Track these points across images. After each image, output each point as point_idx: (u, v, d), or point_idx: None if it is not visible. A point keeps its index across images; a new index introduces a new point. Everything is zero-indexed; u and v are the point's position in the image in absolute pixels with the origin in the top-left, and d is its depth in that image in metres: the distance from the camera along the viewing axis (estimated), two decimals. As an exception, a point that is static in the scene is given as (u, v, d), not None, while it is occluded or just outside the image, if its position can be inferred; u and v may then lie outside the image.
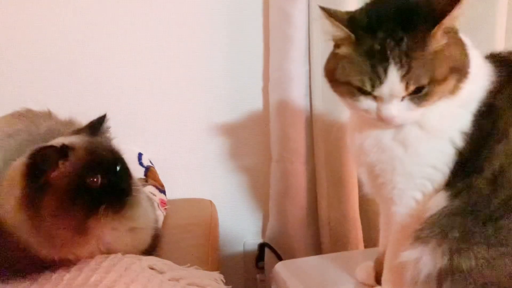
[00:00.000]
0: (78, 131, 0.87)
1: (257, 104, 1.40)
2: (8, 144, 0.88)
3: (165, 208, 1.20)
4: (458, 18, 0.65)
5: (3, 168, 0.81)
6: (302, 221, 1.36)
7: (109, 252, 0.82)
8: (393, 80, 0.64)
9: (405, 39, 0.64)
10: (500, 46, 1.20)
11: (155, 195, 1.20)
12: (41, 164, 0.74)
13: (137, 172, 1.19)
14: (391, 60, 0.64)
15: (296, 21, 1.24)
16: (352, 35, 0.67)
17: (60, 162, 0.76)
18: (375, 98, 0.68)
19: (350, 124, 0.80)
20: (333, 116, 1.25)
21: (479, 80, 0.70)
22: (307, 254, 1.36)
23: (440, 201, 0.70)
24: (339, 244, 1.34)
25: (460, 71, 0.67)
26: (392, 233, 0.80)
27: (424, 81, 0.64)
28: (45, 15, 1.24)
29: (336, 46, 0.71)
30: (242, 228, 1.48)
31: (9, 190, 0.77)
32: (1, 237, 0.76)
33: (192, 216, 1.24)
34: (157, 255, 0.89)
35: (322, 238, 1.38)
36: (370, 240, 1.34)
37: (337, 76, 0.70)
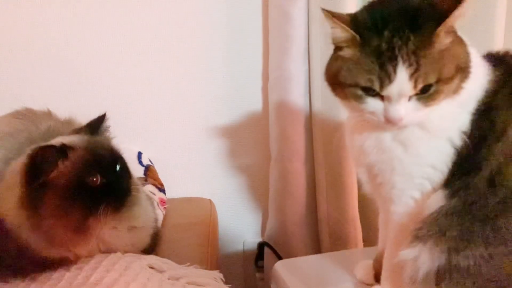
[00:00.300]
0: (78, 131, 0.87)
1: (257, 103, 1.41)
2: (8, 143, 0.88)
3: (165, 207, 1.20)
4: (461, 17, 0.65)
5: (3, 167, 0.82)
6: (301, 220, 1.36)
7: (108, 251, 0.83)
8: (402, 78, 0.64)
9: (412, 38, 0.64)
10: (499, 45, 1.20)
11: (155, 194, 1.20)
12: (40, 163, 0.75)
13: (136, 171, 1.19)
14: (399, 59, 0.64)
15: (296, 20, 1.24)
16: (357, 36, 0.67)
17: (60, 162, 0.77)
18: (382, 99, 0.68)
19: (349, 126, 0.80)
20: (332, 115, 1.25)
21: (478, 79, 0.70)
22: (307, 253, 1.36)
23: (438, 200, 0.71)
24: (338, 243, 1.34)
25: (463, 70, 0.67)
26: (390, 232, 0.80)
27: (432, 79, 0.65)
28: (45, 15, 1.24)
29: (338, 48, 0.71)
30: (241, 227, 1.49)
31: (9, 189, 0.77)
32: (1, 236, 0.76)
33: (191, 215, 1.25)
34: (156, 254, 0.89)
35: (321, 237, 1.38)
36: (369, 239, 1.34)
37: (341, 78, 0.69)
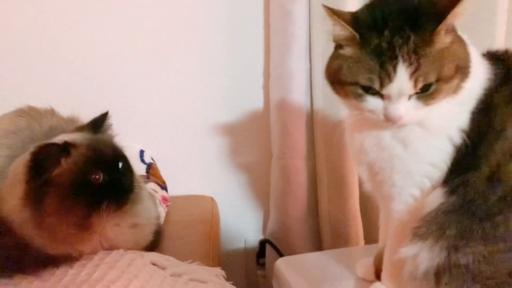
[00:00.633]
0: (81, 128, 0.87)
1: (258, 101, 1.41)
2: (11, 141, 0.89)
3: (167, 205, 1.21)
4: (461, 15, 0.65)
5: (6, 165, 0.82)
6: (302, 218, 1.36)
7: (111, 248, 0.83)
8: (403, 77, 0.64)
9: (413, 37, 0.64)
10: (500, 44, 1.20)
11: (157, 192, 1.20)
12: (43, 161, 0.75)
13: (138, 169, 1.20)
14: (400, 58, 0.64)
15: (297, 18, 1.24)
16: (357, 35, 0.67)
17: (63, 159, 0.77)
18: (382, 97, 0.68)
19: (349, 124, 0.80)
20: (333, 113, 1.25)
21: (477, 77, 0.70)
22: (308, 250, 1.36)
23: (437, 197, 0.71)
24: (340, 240, 1.34)
25: (463, 70, 0.67)
26: (391, 229, 0.80)
27: (432, 78, 0.65)
28: (47, 13, 1.25)
29: (339, 46, 0.71)
30: (243, 224, 1.49)
31: (13, 187, 0.77)
32: (5, 234, 0.77)
33: (193, 212, 1.25)
34: (159, 251, 0.90)
35: (322, 235, 1.38)
36: (370, 237, 1.34)
37: (342, 77, 0.69)
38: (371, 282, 0.87)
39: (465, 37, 0.70)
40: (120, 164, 0.83)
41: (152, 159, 1.33)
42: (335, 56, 0.72)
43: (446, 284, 0.70)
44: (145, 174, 1.26)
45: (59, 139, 0.81)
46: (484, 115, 0.69)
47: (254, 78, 1.39)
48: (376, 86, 0.66)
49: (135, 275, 0.74)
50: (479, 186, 0.68)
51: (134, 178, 0.86)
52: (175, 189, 1.34)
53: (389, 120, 0.68)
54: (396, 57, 0.64)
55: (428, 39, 0.64)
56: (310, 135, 1.33)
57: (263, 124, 1.40)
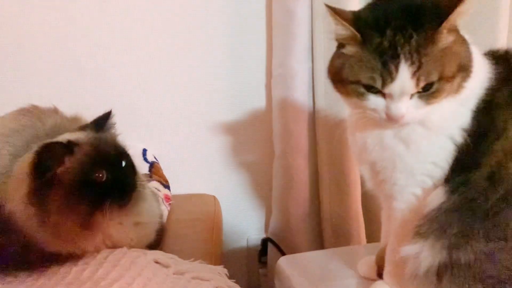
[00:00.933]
0: (84, 127, 0.88)
1: (260, 100, 1.41)
2: (15, 140, 0.89)
3: (170, 203, 1.21)
4: (463, 15, 0.66)
5: (10, 164, 0.82)
6: (304, 216, 1.36)
7: (114, 246, 0.83)
8: (404, 76, 0.65)
9: (415, 36, 0.64)
10: (502, 43, 1.20)
11: (160, 191, 1.21)
12: (47, 160, 0.76)
13: (141, 167, 1.20)
14: (401, 57, 0.64)
15: (299, 18, 1.24)
16: (358, 34, 0.67)
17: (66, 158, 0.78)
18: (384, 96, 0.68)
19: (351, 123, 0.80)
20: (335, 112, 1.25)
21: (479, 77, 0.70)
22: (310, 249, 1.37)
23: (439, 196, 0.71)
24: (341, 239, 1.34)
25: (465, 69, 0.68)
26: (393, 228, 0.80)
27: (434, 77, 0.65)
28: (50, 12, 1.25)
29: (341, 45, 0.71)
30: (245, 223, 1.49)
31: (17, 185, 0.78)
32: (9, 232, 0.77)
33: (196, 211, 1.25)
34: (161, 250, 0.90)
35: (324, 233, 1.38)
36: (372, 235, 1.35)
37: (344, 75, 0.70)
38: (373, 280, 0.88)
39: (467, 36, 0.70)
40: (123, 163, 0.84)
41: (155, 157, 1.34)
42: (337, 55, 0.72)
43: (447, 282, 0.70)
44: (148, 172, 1.27)
45: (63, 138, 0.81)
46: (486, 115, 0.70)
47: (256, 77, 1.39)
48: (378, 84, 0.66)
49: (139, 273, 0.75)
50: (480, 185, 0.68)
51: (137, 177, 0.87)
52: (177, 187, 1.34)
53: (390, 119, 0.68)
54: (398, 56, 0.64)
55: (430, 38, 0.65)
56: (312, 134, 1.33)
57: (265, 123, 1.40)
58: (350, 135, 0.81)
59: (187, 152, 1.40)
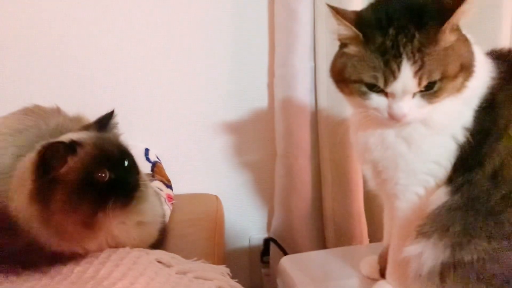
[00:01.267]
0: (87, 127, 0.88)
1: (262, 100, 1.41)
2: (18, 140, 0.89)
3: (172, 203, 1.21)
4: (466, 14, 0.66)
5: (13, 163, 0.83)
6: (307, 216, 1.36)
7: (117, 245, 0.84)
8: (407, 75, 0.65)
9: (417, 36, 0.64)
10: (505, 43, 1.20)
11: (162, 190, 1.21)
12: (50, 159, 0.76)
13: (144, 167, 1.20)
14: (404, 56, 0.64)
15: (302, 17, 1.24)
16: (360, 34, 0.67)
17: (69, 158, 0.78)
18: (386, 95, 0.68)
19: (353, 123, 0.80)
20: (337, 111, 1.25)
21: (481, 76, 0.70)
22: (312, 248, 1.36)
23: (441, 196, 0.71)
24: (344, 238, 1.34)
25: (468, 69, 0.68)
26: (395, 227, 0.80)
27: (437, 76, 0.65)
28: (53, 12, 1.25)
29: (344, 45, 0.71)
30: (247, 223, 1.49)
31: (20, 185, 0.78)
32: (12, 231, 0.77)
33: (198, 211, 1.25)
34: (164, 249, 0.90)
35: (326, 233, 1.38)
36: (375, 235, 1.34)
37: (346, 75, 0.70)
38: (376, 280, 0.88)
39: (469, 36, 0.70)
40: (126, 163, 0.84)
41: (157, 157, 1.34)
42: (340, 54, 0.73)
43: (451, 282, 0.70)
44: (150, 172, 1.27)
45: (66, 137, 0.81)
46: (488, 114, 0.70)
47: (258, 76, 1.39)
48: (381, 83, 0.66)
49: (141, 273, 0.75)
50: (483, 184, 0.68)
51: (139, 177, 0.87)
52: (180, 187, 1.34)
53: (392, 118, 0.68)
54: (400, 55, 0.64)
55: (433, 37, 0.65)
56: (315, 134, 1.33)
57: (267, 123, 1.40)
58: (353, 134, 0.81)
59: (189, 152, 1.40)
